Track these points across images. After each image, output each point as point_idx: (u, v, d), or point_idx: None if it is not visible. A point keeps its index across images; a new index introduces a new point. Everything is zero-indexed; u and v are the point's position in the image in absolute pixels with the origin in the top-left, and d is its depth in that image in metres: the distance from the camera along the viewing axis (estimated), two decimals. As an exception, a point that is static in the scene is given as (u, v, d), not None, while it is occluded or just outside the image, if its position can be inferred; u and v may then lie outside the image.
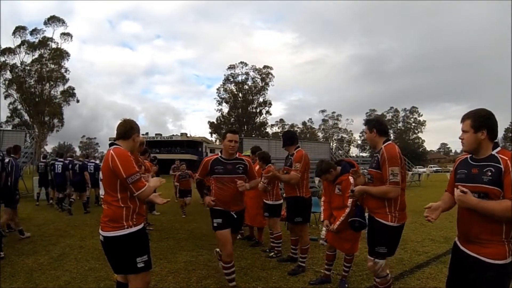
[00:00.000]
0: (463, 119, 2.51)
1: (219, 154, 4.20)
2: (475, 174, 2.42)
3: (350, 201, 4.14)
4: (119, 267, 3.01)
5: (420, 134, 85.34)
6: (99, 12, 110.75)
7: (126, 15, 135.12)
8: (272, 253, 5.87)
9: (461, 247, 2.51)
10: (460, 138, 2.52)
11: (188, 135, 59.70)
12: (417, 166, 38.52)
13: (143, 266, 2.93)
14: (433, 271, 5.00)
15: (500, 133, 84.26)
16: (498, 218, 2.27)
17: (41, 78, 45.70)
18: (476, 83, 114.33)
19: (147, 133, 52.24)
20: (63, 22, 47.64)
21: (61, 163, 11.34)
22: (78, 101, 50.69)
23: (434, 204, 2.61)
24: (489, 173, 2.33)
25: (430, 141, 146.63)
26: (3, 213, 6.60)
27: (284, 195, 5.57)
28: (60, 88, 48.15)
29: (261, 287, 4.50)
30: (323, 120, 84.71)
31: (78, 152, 71.51)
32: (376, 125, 3.66)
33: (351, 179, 4.18)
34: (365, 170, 3.93)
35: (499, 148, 2.42)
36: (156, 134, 59.76)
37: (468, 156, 2.59)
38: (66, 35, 47.54)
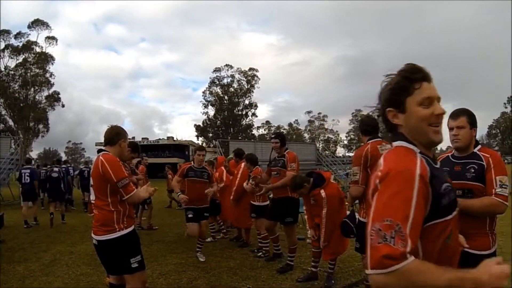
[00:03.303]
0: (457, 116, 2.56)
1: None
2: (458, 171, 2.53)
3: (324, 212, 4.30)
4: (114, 268, 3.12)
5: None
6: (84, 15, 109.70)
7: (111, 18, 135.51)
8: (260, 253, 5.99)
9: None
10: (454, 135, 2.55)
11: (175, 138, 59.46)
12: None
13: (137, 266, 3.03)
14: None
15: (484, 130, 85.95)
16: (480, 215, 2.41)
17: (26, 82, 44.68)
18: (461, 82, 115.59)
19: (133, 138, 51.85)
20: (48, 25, 46.67)
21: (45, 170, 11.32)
22: (63, 105, 49.51)
23: None
24: (472, 170, 2.45)
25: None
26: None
27: (271, 196, 5.70)
28: (45, 93, 46.93)
29: (250, 286, 4.60)
30: (309, 121, 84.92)
31: (64, 157, 70.53)
32: (360, 125, 3.84)
33: (322, 193, 4.32)
34: (351, 170, 4.05)
35: (479, 146, 2.55)
36: (142, 138, 59.26)
37: (450, 154, 2.70)
38: (51, 38, 46.53)
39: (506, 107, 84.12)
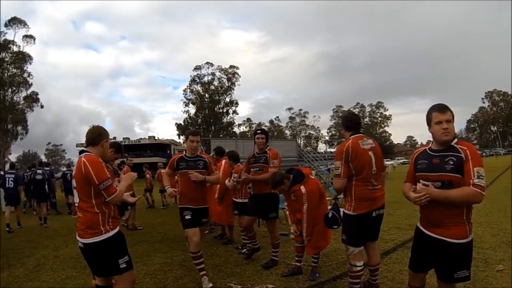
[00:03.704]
0: (445, 110, 2.68)
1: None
2: (436, 163, 2.67)
3: (305, 207, 4.42)
4: (102, 270, 3.13)
5: (386, 128, 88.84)
6: (62, 12, 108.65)
7: (90, 16, 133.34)
8: (245, 250, 6.06)
9: (425, 231, 2.76)
10: (444, 128, 2.64)
11: (156, 138, 59.35)
12: (384, 159, 39.62)
13: (125, 266, 3.05)
14: (399, 256, 5.27)
15: (463, 125, 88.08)
16: (460, 204, 2.56)
17: (3, 83, 43.58)
18: (440, 78, 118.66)
19: (114, 138, 51.41)
20: (25, 23, 45.78)
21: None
22: (42, 106, 48.51)
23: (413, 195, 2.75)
24: (451, 162, 2.58)
25: (397, 135, 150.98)
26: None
27: (252, 192, 5.76)
28: (23, 94, 46.02)
29: (236, 282, 4.67)
30: (290, 118, 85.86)
31: (44, 160, 69.29)
32: (344, 121, 3.94)
33: (302, 189, 4.44)
34: (333, 165, 4.16)
35: (456, 140, 2.69)
36: (124, 138, 58.94)
37: (427, 147, 2.85)
38: (28, 37, 45.51)
39: (483, 102, 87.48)
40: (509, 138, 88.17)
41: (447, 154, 2.63)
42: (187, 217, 4.56)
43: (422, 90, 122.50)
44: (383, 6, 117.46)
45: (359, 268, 3.69)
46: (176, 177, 4.92)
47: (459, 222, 2.60)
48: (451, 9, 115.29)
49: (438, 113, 2.67)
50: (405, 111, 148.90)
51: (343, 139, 3.93)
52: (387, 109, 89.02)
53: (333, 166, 4.24)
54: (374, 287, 3.95)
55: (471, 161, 2.53)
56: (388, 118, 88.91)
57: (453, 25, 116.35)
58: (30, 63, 46.02)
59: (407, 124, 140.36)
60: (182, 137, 65.57)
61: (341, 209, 3.96)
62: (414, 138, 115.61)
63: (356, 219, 3.59)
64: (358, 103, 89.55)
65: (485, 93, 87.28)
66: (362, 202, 3.58)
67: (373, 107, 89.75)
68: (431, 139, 2.86)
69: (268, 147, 5.39)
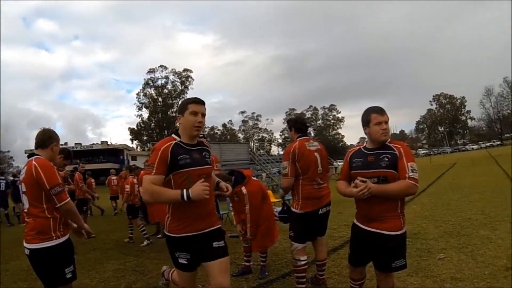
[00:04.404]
0: (383, 112, 2.87)
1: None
2: (372, 161, 2.84)
3: (247, 208, 4.54)
4: (48, 280, 2.95)
5: (339, 130, 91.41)
6: (11, 8, 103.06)
7: (42, 13, 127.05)
8: None
9: (362, 227, 2.91)
10: (384, 129, 2.81)
11: (109, 143, 57.82)
12: (338, 160, 40.65)
13: (71, 276, 2.97)
14: (346, 252, 5.28)
15: (412, 126, 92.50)
16: (397, 197, 2.74)
17: None
18: (391, 81, 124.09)
19: (66, 143, 49.50)
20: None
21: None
22: (-14, 111, 45.99)
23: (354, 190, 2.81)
24: (386, 159, 2.76)
25: (350, 136, 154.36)
26: None
27: None
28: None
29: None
30: (243, 121, 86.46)
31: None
32: (293, 123, 4.11)
33: (243, 190, 4.55)
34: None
35: (389, 139, 2.89)
36: (75, 144, 56.89)
37: (361, 146, 3.04)
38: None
39: (431, 105, 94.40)
40: (455, 138, 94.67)
41: (382, 152, 2.81)
42: (182, 261, 2.70)
43: (374, 93, 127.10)
44: (339, 11, 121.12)
45: (303, 263, 3.85)
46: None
47: (394, 215, 2.77)
48: (403, 15, 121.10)
49: (378, 115, 2.85)
50: (358, 113, 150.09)
51: (290, 141, 4.18)
52: (340, 112, 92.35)
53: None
54: (321, 282, 4.10)
55: (404, 157, 2.73)
56: (340, 120, 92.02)
57: (404, 31, 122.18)
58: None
59: (359, 126, 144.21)
60: (135, 141, 64.51)
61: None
62: (366, 139, 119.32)
63: (304, 217, 3.78)
64: (311, 106, 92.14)
65: (433, 96, 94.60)
66: (308, 201, 3.78)
67: (326, 109, 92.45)
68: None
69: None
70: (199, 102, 2.71)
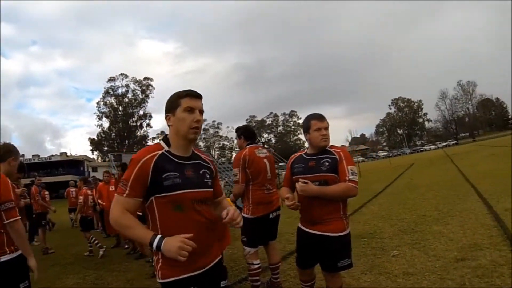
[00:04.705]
0: (323, 119, 2.95)
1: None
2: (312, 166, 2.90)
3: None
4: None
5: (300, 136, 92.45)
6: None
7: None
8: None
9: (307, 230, 2.98)
10: (323, 134, 2.88)
11: (69, 154, 56.17)
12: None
13: None
14: None
15: (372, 129, 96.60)
16: (338, 199, 2.81)
17: None
18: (351, 86, 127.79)
19: (23, 155, 47.58)
20: None
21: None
22: None
23: (290, 196, 2.96)
24: (327, 163, 2.83)
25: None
26: None
27: None
28: None
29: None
30: (204, 130, 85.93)
31: None
32: (243, 131, 4.21)
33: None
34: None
35: (330, 145, 2.98)
36: (33, 156, 55.02)
37: (302, 153, 3.11)
38: None
39: (390, 108, 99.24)
40: (414, 139, 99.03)
41: (322, 157, 2.89)
42: None
43: (335, 98, 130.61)
44: (299, 20, 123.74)
45: (256, 266, 3.93)
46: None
47: (336, 217, 2.85)
48: (361, 23, 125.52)
49: (318, 121, 2.93)
50: None
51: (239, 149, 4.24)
52: (300, 118, 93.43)
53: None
54: (276, 285, 4.15)
55: (344, 161, 2.82)
56: (301, 126, 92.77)
57: (362, 39, 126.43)
58: None
59: None
60: (96, 152, 62.88)
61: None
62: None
63: (255, 222, 3.86)
64: (271, 113, 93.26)
65: (392, 100, 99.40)
66: (259, 206, 3.88)
67: (287, 116, 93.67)
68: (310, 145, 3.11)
69: None
70: (196, 95, 2.06)
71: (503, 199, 7.21)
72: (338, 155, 2.88)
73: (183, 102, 2.00)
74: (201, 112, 2.06)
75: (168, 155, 1.98)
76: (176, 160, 1.99)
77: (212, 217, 2.08)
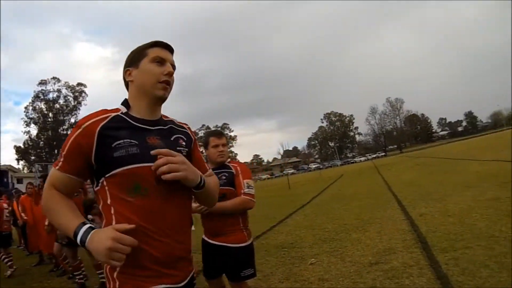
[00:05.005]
0: (221, 136, 3.07)
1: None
2: None
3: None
4: None
5: (232, 148, 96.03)
6: None
7: None
8: (77, 278, 5.66)
9: (210, 241, 3.00)
10: (221, 151, 3.00)
11: (-8, 163, 52.04)
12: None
13: None
14: None
15: (305, 142, 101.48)
16: (236, 212, 2.89)
17: None
18: (284, 100, 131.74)
19: None
20: None
21: None
22: None
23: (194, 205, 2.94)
24: (224, 177, 2.91)
25: (243, 154, 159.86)
26: None
27: None
28: None
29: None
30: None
31: None
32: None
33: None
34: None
35: (229, 160, 3.11)
36: (-48, 166, 50.31)
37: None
38: None
39: (322, 122, 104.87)
40: (345, 151, 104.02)
41: (220, 171, 2.97)
42: None
43: (268, 112, 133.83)
44: (240, 33, 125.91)
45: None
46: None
47: (237, 229, 2.93)
48: (296, 40, 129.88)
49: (216, 138, 3.05)
50: (251, 132, 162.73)
51: None
52: (233, 130, 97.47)
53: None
54: None
55: (241, 175, 2.95)
56: (233, 138, 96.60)
57: (297, 55, 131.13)
58: None
59: (253, 143, 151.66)
60: (22, 162, 59.05)
61: None
62: (260, 157, 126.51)
63: None
64: (204, 125, 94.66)
65: (324, 114, 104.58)
66: None
67: (219, 128, 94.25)
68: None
69: None
70: (167, 46, 1.56)
71: (419, 205, 7.66)
72: (235, 169, 3.00)
73: (151, 52, 1.50)
74: (174, 67, 1.55)
75: (125, 117, 1.45)
76: (135, 123, 1.44)
77: (188, 207, 1.55)
